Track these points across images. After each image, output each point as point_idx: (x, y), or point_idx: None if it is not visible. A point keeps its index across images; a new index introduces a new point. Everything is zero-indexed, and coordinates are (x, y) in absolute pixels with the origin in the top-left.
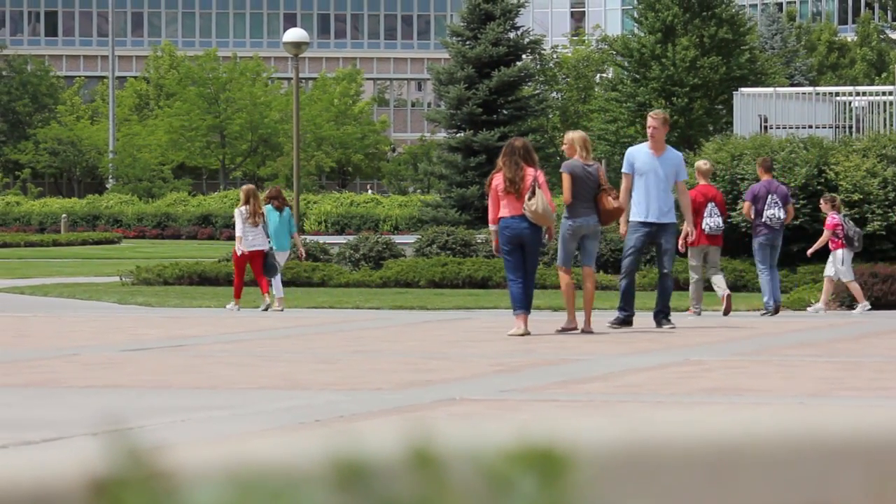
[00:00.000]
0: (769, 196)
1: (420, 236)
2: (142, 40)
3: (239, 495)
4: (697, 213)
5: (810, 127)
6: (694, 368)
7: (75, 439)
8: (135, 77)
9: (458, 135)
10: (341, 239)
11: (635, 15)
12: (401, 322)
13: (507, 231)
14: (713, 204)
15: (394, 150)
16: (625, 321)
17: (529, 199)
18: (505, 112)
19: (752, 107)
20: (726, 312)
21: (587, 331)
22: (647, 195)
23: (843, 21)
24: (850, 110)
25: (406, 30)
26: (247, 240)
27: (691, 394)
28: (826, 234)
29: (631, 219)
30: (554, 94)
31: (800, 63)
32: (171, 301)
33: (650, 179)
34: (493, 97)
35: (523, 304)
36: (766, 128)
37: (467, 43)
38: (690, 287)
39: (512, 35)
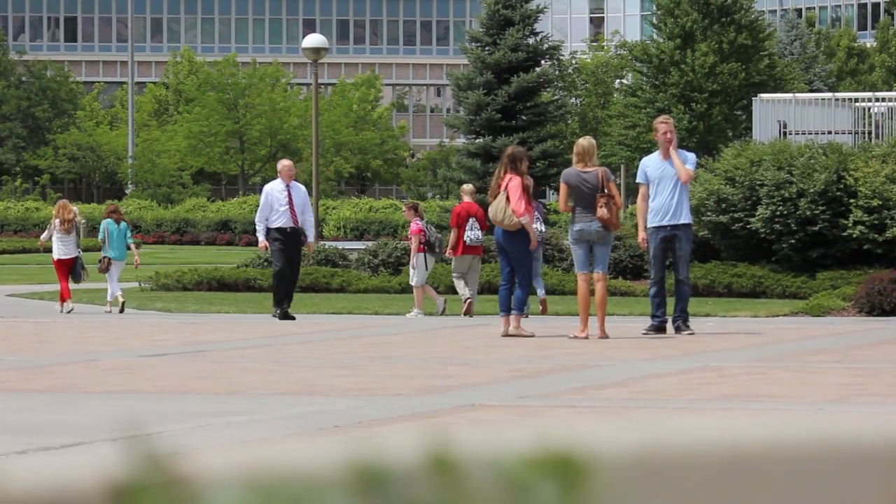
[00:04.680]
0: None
1: None
2: (161, 46)
3: (258, 500)
4: (462, 227)
5: (829, 133)
6: (713, 374)
7: (95, 445)
8: (154, 83)
9: (477, 140)
10: (360, 245)
11: (654, 21)
12: (419, 328)
13: (495, 237)
14: (474, 219)
15: (413, 156)
16: (658, 328)
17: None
18: (524, 118)
19: (771, 112)
20: (468, 314)
21: (601, 336)
22: (659, 200)
23: (862, 27)
24: (870, 116)
25: (425, 35)
26: (59, 248)
27: (710, 400)
28: (413, 240)
29: (648, 225)
30: (573, 99)
31: (819, 69)
32: (190, 307)
33: (662, 184)
34: (512, 103)
35: (504, 307)
36: (785, 133)
37: (486, 49)
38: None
39: (531, 41)
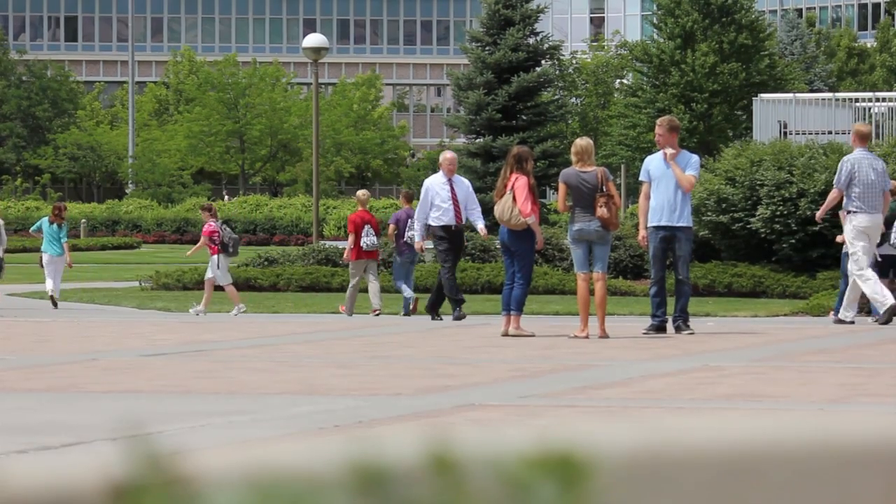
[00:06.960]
0: (409, 220)
1: None
2: (161, 45)
3: (259, 500)
4: (358, 234)
5: (830, 133)
6: (713, 374)
7: (95, 444)
8: (154, 82)
9: (478, 140)
10: None
11: (655, 21)
12: (420, 327)
13: (500, 236)
14: (369, 226)
15: (413, 156)
16: (658, 327)
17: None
18: (524, 118)
19: (771, 112)
20: (377, 314)
21: (602, 336)
22: (659, 199)
23: (862, 27)
24: (870, 116)
25: (425, 35)
26: None
27: (710, 400)
28: (203, 239)
29: (648, 224)
30: (573, 99)
31: (819, 69)
32: (190, 306)
33: (662, 183)
34: (513, 103)
35: (506, 307)
36: (785, 133)
37: (486, 48)
38: (348, 292)
39: (531, 41)
